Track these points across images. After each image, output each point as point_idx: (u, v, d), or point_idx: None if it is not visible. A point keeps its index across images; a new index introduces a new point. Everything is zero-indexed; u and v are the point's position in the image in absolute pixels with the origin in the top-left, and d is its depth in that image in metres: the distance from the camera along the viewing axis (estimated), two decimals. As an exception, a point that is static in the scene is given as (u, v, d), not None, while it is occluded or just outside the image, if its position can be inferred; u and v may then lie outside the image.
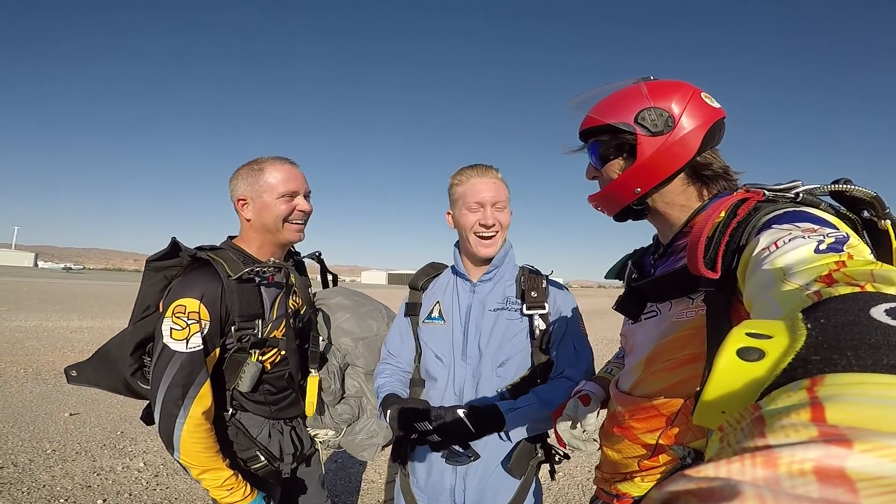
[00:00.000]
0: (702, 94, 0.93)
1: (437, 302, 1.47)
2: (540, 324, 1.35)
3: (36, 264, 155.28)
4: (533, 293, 1.36)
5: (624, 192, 0.96)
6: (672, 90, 0.92)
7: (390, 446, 1.53)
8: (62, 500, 2.85)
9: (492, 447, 1.33)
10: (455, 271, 1.49)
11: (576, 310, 1.42)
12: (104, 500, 2.89)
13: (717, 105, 0.93)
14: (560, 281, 1.49)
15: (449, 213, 1.47)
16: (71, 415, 4.42)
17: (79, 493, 2.96)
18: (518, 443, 1.33)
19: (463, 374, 1.37)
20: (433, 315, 1.46)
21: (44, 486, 3.02)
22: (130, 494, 2.99)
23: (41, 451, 3.57)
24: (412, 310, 1.52)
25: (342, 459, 3.69)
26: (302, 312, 1.50)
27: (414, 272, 1.60)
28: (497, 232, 1.38)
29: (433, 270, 1.57)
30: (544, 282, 1.41)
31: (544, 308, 1.35)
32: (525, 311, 1.36)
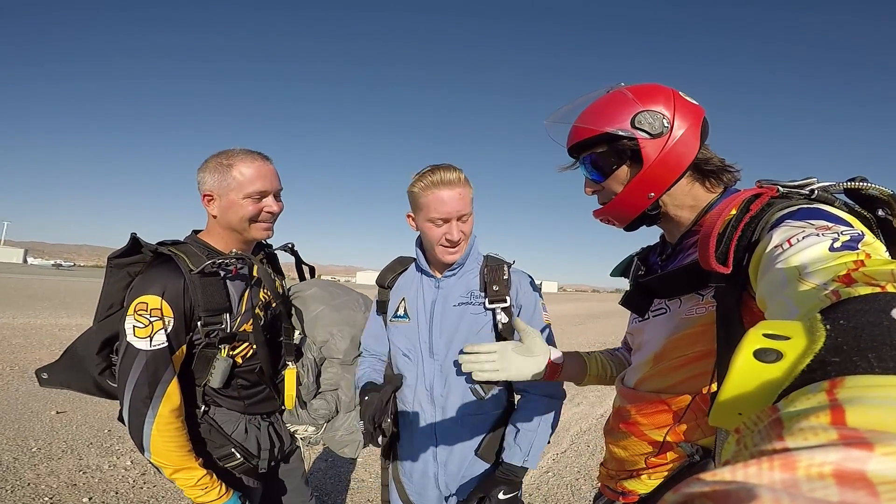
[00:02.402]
0: (680, 93, 0.94)
1: (403, 299, 1.47)
2: (503, 317, 1.35)
3: (25, 261, 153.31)
4: (494, 287, 1.37)
5: (638, 198, 0.94)
6: (656, 92, 0.93)
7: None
8: (46, 499, 2.80)
9: (468, 435, 1.37)
10: (419, 268, 1.48)
11: (537, 301, 1.42)
12: (90, 499, 2.84)
13: (695, 102, 0.95)
14: (533, 276, 1.47)
15: (410, 216, 1.41)
16: (57, 413, 4.35)
17: (64, 492, 2.91)
18: (489, 432, 1.37)
19: (432, 371, 1.38)
20: (399, 313, 1.46)
21: (28, 484, 2.97)
22: (117, 493, 2.95)
23: (26, 449, 3.51)
24: (382, 308, 1.52)
25: (332, 458, 3.66)
26: (273, 305, 1.46)
27: None
28: (462, 241, 1.36)
29: (400, 266, 1.55)
30: (506, 272, 1.40)
31: (506, 301, 1.36)
32: (487, 306, 1.37)
